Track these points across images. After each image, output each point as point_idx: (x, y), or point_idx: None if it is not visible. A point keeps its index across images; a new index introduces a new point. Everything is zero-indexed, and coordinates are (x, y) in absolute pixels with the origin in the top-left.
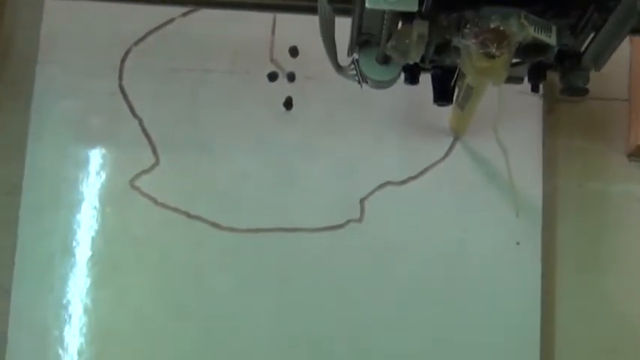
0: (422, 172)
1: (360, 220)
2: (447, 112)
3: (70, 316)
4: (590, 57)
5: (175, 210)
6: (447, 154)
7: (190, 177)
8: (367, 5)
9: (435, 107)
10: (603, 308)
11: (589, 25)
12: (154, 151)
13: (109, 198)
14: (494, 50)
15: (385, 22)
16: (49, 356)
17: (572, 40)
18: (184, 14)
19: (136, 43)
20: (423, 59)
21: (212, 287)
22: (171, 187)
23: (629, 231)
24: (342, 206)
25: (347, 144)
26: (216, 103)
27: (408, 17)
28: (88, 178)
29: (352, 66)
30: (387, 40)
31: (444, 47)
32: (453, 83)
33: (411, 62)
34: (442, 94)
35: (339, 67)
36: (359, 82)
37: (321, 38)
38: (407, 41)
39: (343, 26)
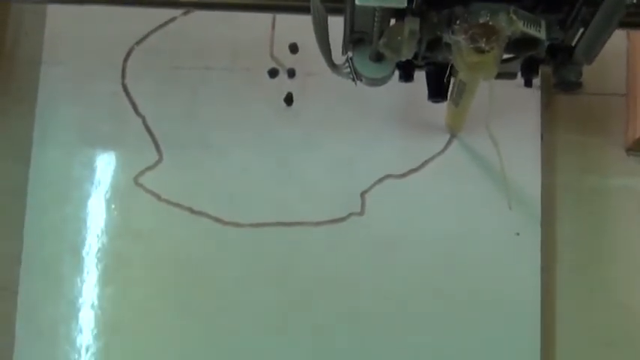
0: (422, 165)
1: (361, 213)
2: (446, 106)
3: (76, 312)
4: (581, 51)
5: (179, 206)
6: (446, 147)
7: (193, 173)
8: (357, 2)
9: None
10: (603, 300)
11: (578, 20)
12: (157, 148)
13: (113, 195)
14: (483, 45)
15: (376, 19)
16: (56, 352)
17: (562, 34)
18: (185, 13)
19: (138, 42)
20: (416, 56)
21: (216, 281)
22: (174, 184)
23: (628, 224)
24: (343, 200)
25: (347, 138)
26: (218, 99)
27: (399, 14)
28: (92, 175)
29: (347, 64)
30: (379, 38)
31: (435, 43)
32: (446, 79)
33: (404, 59)
34: (436, 91)
35: (333, 66)
36: (353, 80)
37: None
38: (399, 38)
39: (339, 24)
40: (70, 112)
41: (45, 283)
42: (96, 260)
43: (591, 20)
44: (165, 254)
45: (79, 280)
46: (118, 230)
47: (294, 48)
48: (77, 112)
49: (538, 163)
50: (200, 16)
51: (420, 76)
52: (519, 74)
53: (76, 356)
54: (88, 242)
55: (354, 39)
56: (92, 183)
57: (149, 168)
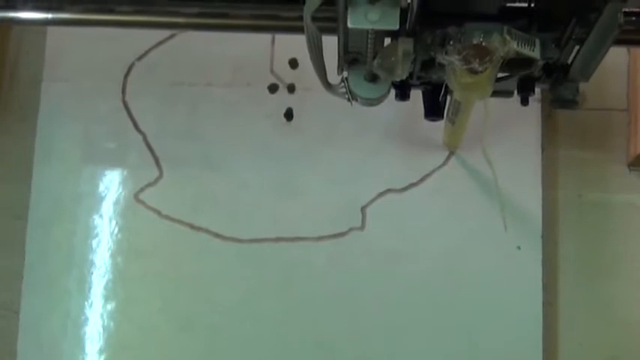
0: (422, 180)
1: (361, 227)
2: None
3: (77, 329)
4: (577, 69)
5: (179, 222)
6: (446, 161)
7: (194, 189)
8: (349, 25)
9: None
10: (605, 316)
11: (573, 38)
12: (158, 165)
13: (114, 211)
14: (477, 66)
15: (369, 40)
16: None
17: (558, 53)
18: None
19: (139, 58)
20: (411, 76)
21: (216, 297)
22: (175, 200)
23: (630, 240)
24: (343, 215)
25: (347, 153)
26: (218, 115)
27: (393, 34)
28: (93, 192)
29: (342, 84)
30: (373, 58)
31: (429, 64)
32: (441, 98)
33: (398, 79)
34: (432, 110)
35: (328, 86)
36: (349, 100)
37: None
38: (392, 59)
39: (335, 43)
40: (71, 129)
41: (46, 300)
42: (97, 276)
43: (586, 39)
44: (166, 270)
45: (80, 296)
46: (119, 247)
47: (294, 63)
48: (78, 129)
49: (539, 179)
50: (200, 32)
51: (419, 90)
52: (516, 92)
53: None
54: (89, 259)
55: (349, 59)
56: (93, 200)
57: (150, 184)
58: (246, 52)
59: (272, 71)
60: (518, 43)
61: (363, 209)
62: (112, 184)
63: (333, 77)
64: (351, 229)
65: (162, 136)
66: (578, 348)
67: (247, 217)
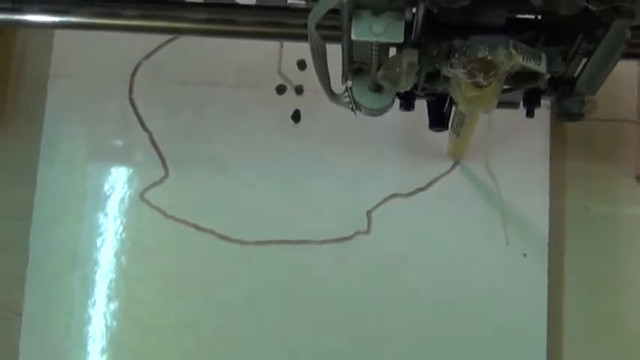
0: (429, 185)
1: (367, 232)
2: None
3: (80, 329)
4: (583, 82)
5: (184, 222)
6: (453, 167)
7: (199, 189)
8: (353, 37)
9: None
10: (611, 329)
11: (579, 53)
12: (164, 164)
13: (119, 210)
14: (481, 80)
15: (374, 51)
16: None
17: (564, 67)
18: None
19: (146, 57)
20: (415, 86)
21: (220, 299)
22: (180, 200)
23: (637, 253)
24: (349, 218)
25: (354, 156)
26: (225, 116)
27: (398, 45)
28: (98, 191)
29: (346, 93)
30: (378, 69)
31: (434, 76)
32: (445, 110)
33: (402, 91)
34: (437, 121)
35: (332, 95)
36: (352, 110)
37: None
38: (397, 70)
39: (340, 51)
40: (77, 127)
41: (49, 299)
42: (101, 276)
43: (593, 52)
44: (170, 270)
45: (83, 295)
46: (123, 246)
47: (302, 65)
48: (84, 127)
49: (546, 189)
50: None
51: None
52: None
53: None
54: (93, 258)
55: (354, 69)
56: (98, 198)
57: (155, 184)
58: (254, 53)
59: (280, 72)
60: (523, 57)
61: (368, 213)
62: (117, 182)
63: (338, 85)
64: (356, 233)
65: (169, 136)
66: (584, 358)
67: (252, 219)
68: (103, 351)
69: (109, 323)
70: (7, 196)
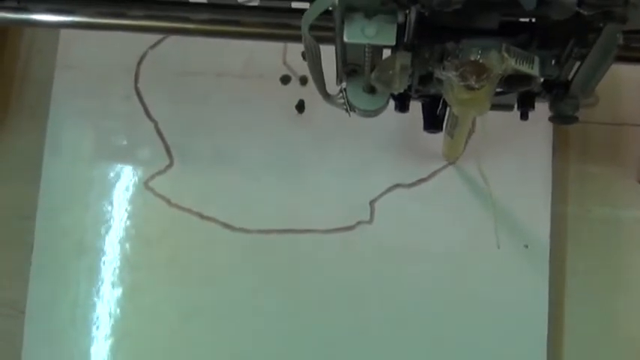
0: (432, 175)
1: (370, 221)
2: None
3: (84, 316)
4: (577, 85)
5: (188, 210)
6: (456, 158)
7: (203, 178)
8: (345, 39)
9: None
10: (612, 332)
11: (572, 56)
12: (169, 153)
13: (124, 199)
14: (473, 83)
15: (367, 53)
16: (63, 355)
17: (557, 70)
18: None
19: (152, 47)
20: (409, 88)
21: (224, 287)
22: (184, 188)
23: (639, 256)
24: (352, 208)
25: (357, 147)
26: (230, 105)
27: (391, 48)
28: (103, 179)
29: (340, 94)
30: (371, 71)
31: (427, 78)
32: (439, 112)
33: (396, 93)
34: (431, 122)
35: (327, 96)
36: (347, 111)
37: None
38: (390, 72)
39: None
40: (83, 116)
41: (54, 286)
42: (105, 264)
43: (586, 56)
44: (174, 258)
45: (88, 283)
46: (127, 234)
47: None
48: (90, 116)
49: (548, 194)
50: None
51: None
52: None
53: (81, 358)
54: (98, 246)
55: (348, 70)
56: (103, 187)
57: (160, 172)
58: (260, 43)
59: (285, 63)
60: (516, 61)
61: (371, 203)
62: (122, 171)
63: (334, 86)
64: (359, 223)
65: (174, 125)
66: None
67: (256, 208)
68: (107, 338)
69: (113, 311)
70: (11, 193)
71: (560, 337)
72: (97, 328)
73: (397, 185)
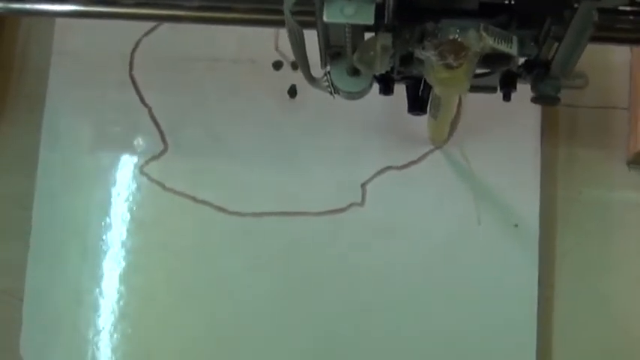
0: (422, 157)
1: (361, 203)
2: None
3: (82, 299)
4: (557, 66)
5: (183, 194)
6: (446, 140)
7: (197, 163)
8: (325, 19)
9: None
10: (602, 312)
11: (550, 36)
12: (163, 139)
13: (119, 184)
14: (452, 61)
15: (347, 34)
16: (61, 339)
17: (535, 50)
18: None
19: (146, 34)
20: (392, 70)
21: (218, 270)
22: (179, 173)
23: (629, 237)
24: (344, 190)
25: (349, 130)
26: (223, 91)
27: (372, 29)
28: (99, 165)
29: (325, 77)
30: (353, 53)
31: (409, 59)
32: (421, 93)
33: (378, 74)
34: (415, 105)
35: (312, 79)
36: (331, 94)
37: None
38: (371, 53)
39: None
40: (79, 102)
41: (51, 272)
42: (101, 248)
43: (564, 36)
44: (169, 242)
45: (85, 267)
46: (123, 218)
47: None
48: (85, 103)
49: (537, 177)
50: None
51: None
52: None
53: (80, 342)
54: (93, 231)
55: (332, 53)
56: (99, 173)
57: (154, 157)
58: (252, 29)
59: (277, 49)
60: (494, 40)
61: (363, 185)
62: (117, 157)
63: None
64: (351, 205)
65: (168, 111)
66: (573, 342)
67: (250, 192)
68: (104, 321)
69: (110, 294)
70: (9, 184)
71: (550, 314)
72: (95, 311)
73: (388, 167)
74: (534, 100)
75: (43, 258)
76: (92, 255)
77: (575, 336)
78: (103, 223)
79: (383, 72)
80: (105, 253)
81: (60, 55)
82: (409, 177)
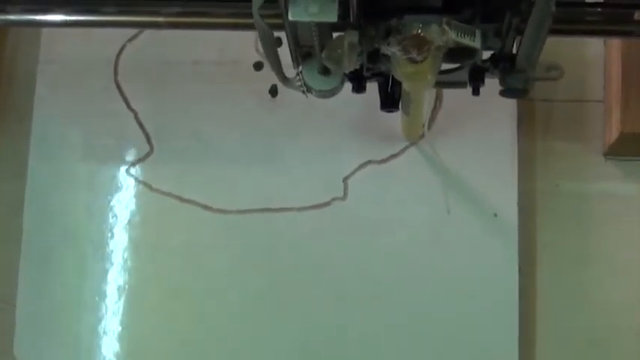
0: (402, 151)
1: (343, 198)
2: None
3: (72, 298)
4: (522, 59)
5: (169, 194)
6: (425, 134)
7: (183, 163)
8: (290, 18)
9: None
10: (583, 302)
11: (512, 29)
12: (149, 141)
13: (107, 186)
14: (416, 55)
15: (314, 33)
16: (54, 337)
17: (499, 43)
18: None
19: (130, 39)
20: (362, 68)
21: (205, 266)
22: (165, 174)
23: (606, 228)
24: (326, 185)
25: (329, 127)
26: (206, 92)
27: (339, 27)
28: (87, 169)
29: (297, 77)
30: (322, 51)
31: (376, 55)
32: (389, 90)
33: (347, 71)
34: (387, 102)
35: (285, 79)
36: (304, 93)
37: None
38: (339, 51)
39: None
40: (66, 108)
41: (42, 273)
42: (91, 249)
43: (525, 29)
44: (156, 240)
45: (75, 267)
46: (110, 219)
47: (277, 41)
48: (73, 108)
49: (515, 170)
50: None
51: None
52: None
53: (74, 345)
54: (83, 232)
55: (303, 53)
56: (86, 176)
57: (141, 159)
58: (233, 32)
59: (257, 50)
60: (457, 34)
61: (345, 180)
62: (104, 160)
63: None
64: (333, 200)
65: (153, 114)
66: (555, 331)
67: (234, 190)
68: (97, 322)
69: (100, 293)
70: (2, 190)
71: (532, 307)
72: (87, 313)
73: (369, 162)
74: (502, 93)
75: (35, 263)
76: (82, 257)
77: (557, 324)
78: (92, 226)
79: (352, 69)
80: (95, 254)
81: (46, 64)
82: (390, 171)
